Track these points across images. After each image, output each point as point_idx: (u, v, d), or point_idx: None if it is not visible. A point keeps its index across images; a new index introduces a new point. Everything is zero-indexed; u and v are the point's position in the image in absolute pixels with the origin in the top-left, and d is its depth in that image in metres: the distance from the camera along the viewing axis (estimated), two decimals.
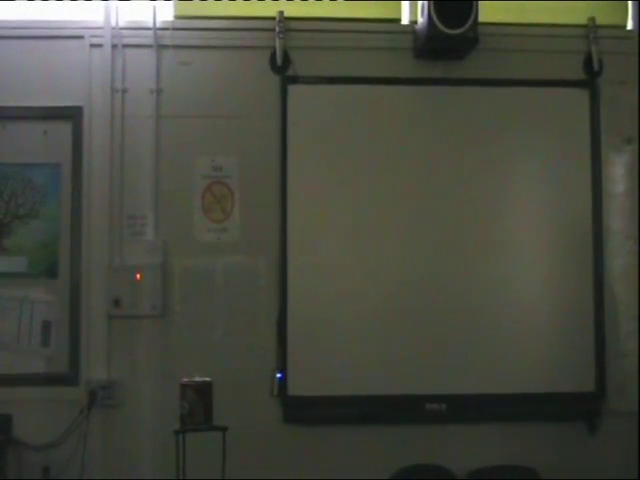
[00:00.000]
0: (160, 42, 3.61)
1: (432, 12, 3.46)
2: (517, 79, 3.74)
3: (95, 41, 3.59)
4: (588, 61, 3.79)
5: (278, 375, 3.52)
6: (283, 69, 3.65)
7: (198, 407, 2.73)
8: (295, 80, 3.63)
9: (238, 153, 3.64)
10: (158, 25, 3.61)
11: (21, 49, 3.57)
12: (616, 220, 3.76)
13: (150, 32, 3.60)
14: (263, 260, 3.60)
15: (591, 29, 3.78)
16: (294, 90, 3.63)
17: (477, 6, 3.48)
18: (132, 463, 3.43)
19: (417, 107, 3.72)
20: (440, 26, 3.47)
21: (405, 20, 3.79)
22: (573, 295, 3.69)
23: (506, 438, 3.60)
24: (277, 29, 3.62)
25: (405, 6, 3.78)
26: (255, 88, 3.65)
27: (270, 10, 3.66)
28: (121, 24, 3.61)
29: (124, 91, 3.61)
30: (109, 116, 3.58)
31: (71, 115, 3.58)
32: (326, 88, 3.66)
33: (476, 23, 3.48)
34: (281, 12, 3.64)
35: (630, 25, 3.91)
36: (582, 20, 3.81)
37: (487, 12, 3.63)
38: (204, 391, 2.75)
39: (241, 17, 3.71)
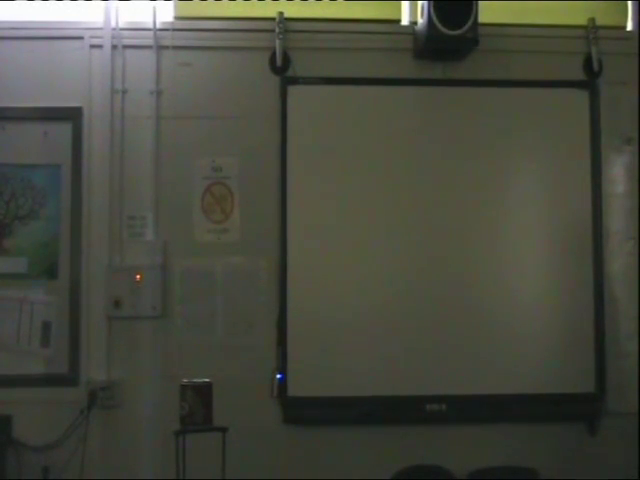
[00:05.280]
0: (160, 43, 3.61)
1: (432, 13, 3.47)
2: (517, 80, 3.74)
3: (95, 42, 3.59)
4: (588, 62, 3.79)
5: (278, 376, 3.52)
6: (283, 70, 3.65)
7: (198, 408, 2.73)
8: (295, 81, 3.63)
9: (238, 154, 3.64)
10: (158, 26, 3.61)
11: (21, 49, 3.57)
12: (616, 221, 3.76)
13: (150, 33, 3.60)
14: (263, 261, 3.60)
15: (591, 30, 3.78)
16: (294, 91, 3.63)
17: (477, 7, 3.49)
18: (132, 463, 3.43)
19: (417, 108, 3.72)
20: (440, 27, 3.47)
21: (405, 21, 3.79)
22: (573, 296, 3.68)
23: (506, 438, 3.60)
24: (277, 30, 3.62)
25: (405, 7, 3.79)
26: (255, 89, 3.66)
27: (270, 11, 3.67)
28: (121, 25, 3.61)
29: (124, 92, 3.61)
30: (109, 117, 3.58)
31: (71, 116, 3.58)
32: (326, 89, 3.66)
33: (476, 24, 3.49)
34: (281, 13, 3.64)
35: (630, 26, 3.91)
36: (582, 21, 3.81)
37: (487, 13, 3.63)
38: (204, 392, 2.75)
39: (241, 18, 3.71)
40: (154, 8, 3.61)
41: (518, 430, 3.61)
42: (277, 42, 3.63)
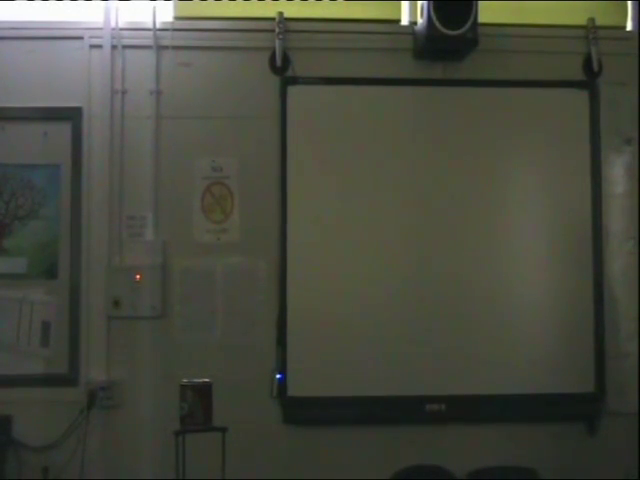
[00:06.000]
0: (160, 43, 3.61)
1: (432, 13, 3.47)
2: (517, 80, 3.74)
3: (95, 42, 3.59)
4: (588, 62, 3.79)
5: (278, 376, 3.52)
6: (283, 70, 3.65)
7: (198, 408, 2.73)
8: (295, 81, 3.63)
9: (238, 154, 3.64)
10: (158, 26, 3.61)
11: (21, 49, 3.57)
12: (616, 221, 3.76)
13: (150, 33, 3.60)
14: (263, 261, 3.60)
15: (591, 30, 3.78)
16: (294, 91, 3.63)
17: (477, 7, 3.49)
18: (132, 463, 3.43)
19: (416, 108, 3.72)
20: (440, 27, 3.47)
21: (405, 21, 3.79)
22: (573, 296, 3.68)
23: (506, 438, 3.60)
24: (277, 30, 3.62)
25: (405, 7, 3.79)
26: (255, 89, 3.66)
27: (270, 11, 3.67)
28: (121, 25, 3.61)
29: (124, 92, 3.61)
30: (109, 117, 3.58)
31: (71, 116, 3.58)
32: (326, 89, 3.67)
33: (476, 24, 3.48)
34: (281, 13, 3.65)
35: (630, 26, 3.92)
36: (582, 21, 3.81)
37: (487, 13, 3.63)
38: (204, 392, 2.75)
39: (241, 18, 3.71)
40: (154, 8, 3.61)
41: (518, 430, 3.61)
42: (277, 42, 3.63)
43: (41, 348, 3.51)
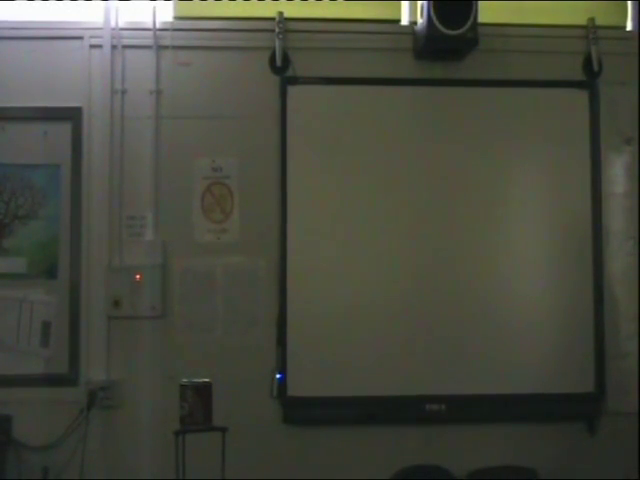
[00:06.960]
0: (160, 43, 3.61)
1: (432, 13, 3.47)
2: (517, 80, 3.74)
3: (95, 42, 3.59)
4: (588, 62, 3.79)
5: (278, 376, 3.52)
6: (283, 70, 3.65)
7: (198, 408, 2.73)
8: (295, 81, 3.63)
9: (238, 154, 3.64)
10: (158, 26, 3.61)
11: (21, 49, 3.57)
12: (616, 221, 3.76)
13: (150, 33, 3.60)
14: (263, 261, 3.60)
15: (590, 30, 3.78)
16: (294, 91, 3.63)
17: (477, 7, 3.49)
18: (132, 463, 3.43)
19: (417, 108, 3.72)
20: (440, 27, 3.47)
21: (405, 21, 3.79)
22: (573, 296, 3.68)
23: (506, 438, 3.60)
24: (277, 30, 3.62)
25: (405, 7, 3.79)
26: (255, 89, 3.65)
27: (270, 11, 3.67)
28: (121, 25, 3.61)
29: (124, 92, 3.61)
30: (109, 117, 3.58)
31: (71, 116, 3.58)
32: (326, 89, 3.67)
33: (476, 24, 3.49)
34: (281, 13, 3.65)
35: (630, 26, 3.91)
36: (582, 21, 3.81)
37: (487, 13, 3.63)
38: (204, 392, 2.75)
39: (241, 18, 3.71)
40: (154, 8, 3.61)
41: (518, 430, 3.61)
42: (277, 42, 3.63)
43: (41, 348, 3.51)
